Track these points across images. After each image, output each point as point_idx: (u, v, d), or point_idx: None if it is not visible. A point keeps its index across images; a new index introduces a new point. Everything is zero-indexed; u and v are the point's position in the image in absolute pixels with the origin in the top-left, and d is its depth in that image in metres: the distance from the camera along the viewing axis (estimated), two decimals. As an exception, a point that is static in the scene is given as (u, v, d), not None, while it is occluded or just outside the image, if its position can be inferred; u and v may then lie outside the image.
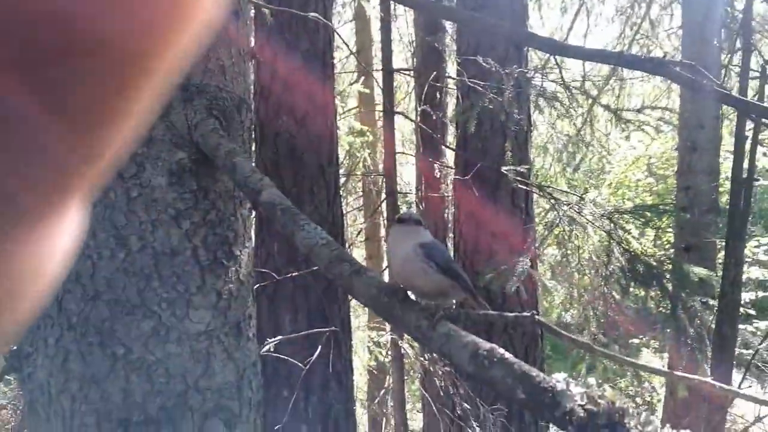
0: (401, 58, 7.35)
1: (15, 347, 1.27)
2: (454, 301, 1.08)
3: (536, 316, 0.89)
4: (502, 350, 0.84)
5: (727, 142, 7.35)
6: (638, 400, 7.98)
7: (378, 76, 6.66)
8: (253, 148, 4.24)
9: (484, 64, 3.84)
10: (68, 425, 1.19)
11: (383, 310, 0.97)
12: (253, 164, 1.33)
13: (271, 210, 1.13)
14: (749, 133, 2.79)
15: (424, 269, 0.97)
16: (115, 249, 1.19)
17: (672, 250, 6.54)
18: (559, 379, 0.78)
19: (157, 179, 1.21)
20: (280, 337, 2.40)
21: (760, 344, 3.02)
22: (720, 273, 3.89)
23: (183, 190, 1.24)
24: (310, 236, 1.07)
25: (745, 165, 3.13)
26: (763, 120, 1.95)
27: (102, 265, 1.19)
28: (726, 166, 6.55)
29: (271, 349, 2.18)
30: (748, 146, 3.08)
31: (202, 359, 1.26)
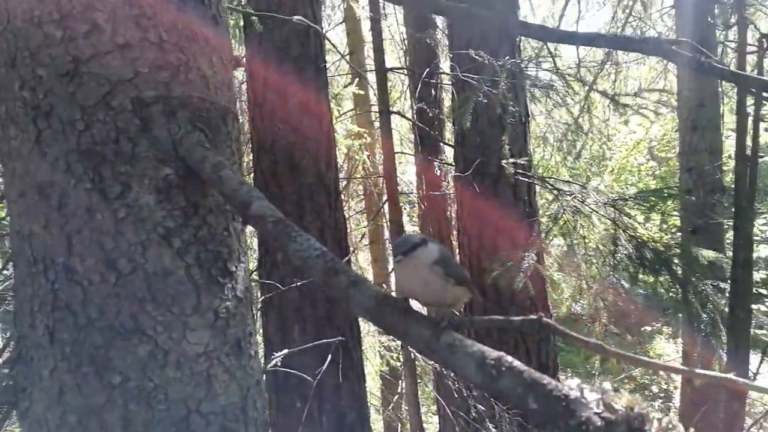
0: (394, 57, 7.30)
1: (11, 382, 1.23)
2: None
3: (544, 319, 0.84)
4: (510, 358, 0.80)
5: (729, 120, 7.28)
6: (654, 388, 7.91)
7: (372, 76, 6.62)
8: (250, 157, 4.21)
9: (477, 57, 3.79)
10: (68, 459, 1.15)
11: (384, 323, 0.93)
12: (246, 176, 1.29)
13: (262, 223, 1.08)
14: (751, 110, 2.74)
15: (444, 287, 0.95)
16: (105, 273, 1.15)
17: (679, 234, 6.48)
18: (572, 386, 0.74)
19: (145, 198, 1.17)
20: (286, 351, 2.36)
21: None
22: (729, 254, 3.83)
23: (172, 207, 1.20)
24: (303, 248, 1.03)
25: (749, 142, 3.08)
26: (764, 94, 1.91)
27: (92, 290, 1.15)
28: (728, 144, 6.49)
29: (279, 364, 2.14)
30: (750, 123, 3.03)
31: (202, 382, 1.22)
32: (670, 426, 0.66)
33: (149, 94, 1.18)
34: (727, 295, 3.18)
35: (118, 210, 1.16)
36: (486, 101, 3.19)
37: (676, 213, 5.33)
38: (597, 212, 3.78)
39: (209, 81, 1.28)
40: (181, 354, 1.20)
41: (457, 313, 1.08)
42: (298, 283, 3.52)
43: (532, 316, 0.86)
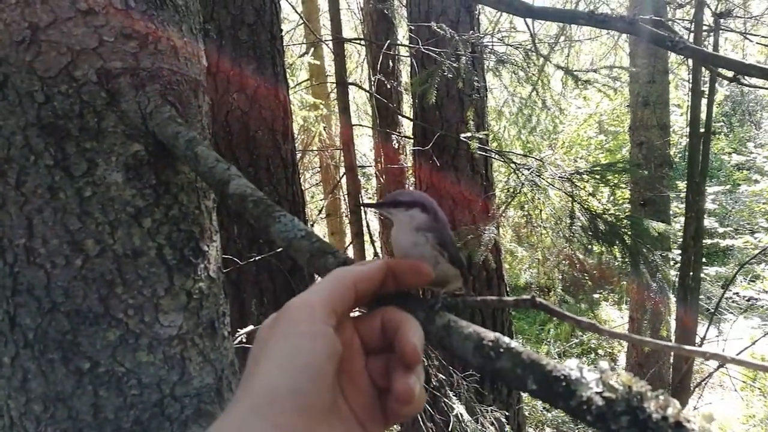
0: (349, 26, 7.17)
1: (-34, 369, 1.15)
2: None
3: (537, 299, 0.84)
4: (507, 339, 0.79)
5: (673, 96, 7.52)
6: (600, 351, 8.27)
7: (328, 47, 6.48)
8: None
9: (438, 30, 3.76)
10: (35, 449, 1.10)
11: (377, 304, 0.91)
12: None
13: (241, 202, 1.04)
14: (704, 88, 2.82)
15: (436, 258, 0.87)
16: (71, 255, 1.08)
17: (626, 206, 6.70)
18: (572, 366, 0.74)
19: (112, 175, 1.10)
20: (251, 327, 2.32)
21: (722, 294, 3.11)
22: (674, 226, 4.00)
23: (142, 186, 1.13)
24: (287, 228, 0.99)
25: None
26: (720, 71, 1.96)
27: (57, 273, 1.08)
28: (673, 120, 6.71)
29: (243, 340, 2.10)
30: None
31: (176, 365, 1.18)
32: (667, 403, 0.67)
33: (116, 64, 1.10)
34: (679, 264, 3.31)
35: (84, 188, 1.09)
36: (451, 75, 3.17)
37: (624, 186, 5.49)
38: (553, 185, 3.85)
39: (179, 51, 1.21)
40: (153, 337, 1.15)
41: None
42: (257, 258, 3.47)
43: (525, 296, 0.86)
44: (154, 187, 1.15)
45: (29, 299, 1.08)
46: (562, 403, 0.75)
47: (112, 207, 1.11)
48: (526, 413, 5.91)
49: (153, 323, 1.15)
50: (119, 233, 1.11)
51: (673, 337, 3.53)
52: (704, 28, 3.47)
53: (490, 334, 0.81)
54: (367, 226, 5.09)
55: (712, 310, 3.06)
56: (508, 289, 4.83)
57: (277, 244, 1.01)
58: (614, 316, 9.08)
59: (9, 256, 1.09)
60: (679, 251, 5.80)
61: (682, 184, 8.65)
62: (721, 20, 2.67)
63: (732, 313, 6.05)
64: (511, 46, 3.81)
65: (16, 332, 1.09)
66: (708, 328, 3.05)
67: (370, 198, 6.97)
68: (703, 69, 2.99)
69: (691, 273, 2.68)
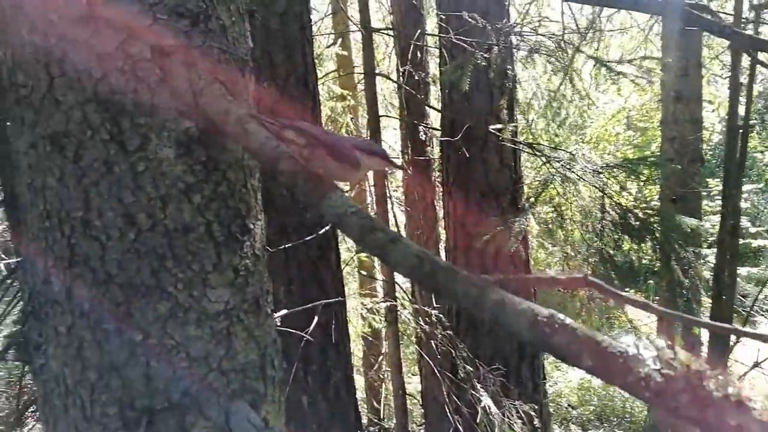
0: (377, 17, 7.16)
1: (22, 338, 1.19)
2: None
3: (589, 277, 0.85)
4: (562, 316, 0.80)
5: (705, 91, 7.38)
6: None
7: (355, 37, 6.49)
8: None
9: (469, 19, 3.74)
10: (88, 416, 1.13)
11: (425, 280, 0.91)
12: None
13: (292, 179, 1.05)
14: (743, 80, 2.77)
15: None
16: (124, 228, 1.11)
17: (655, 203, 6.60)
18: (629, 343, 0.74)
19: (164, 151, 1.12)
20: (284, 311, 2.34)
21: (759, 292, 3.06)
22: (705, 224, 3.93)
23: (192, 162, 1.15)
24: (338, 204, 1.00)
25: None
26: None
27: (111, 246, 1.11)
28: (704, 115, 6.58)
29: (278, 323, 2.13)
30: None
31: (223, 340, 1.20)
32: (728, 382, 0.67)
33: (169, 42, 1.12)
34: (708, 262, 3.26)
35: (137, 163, 1.11)
36: (485, 64, 3.15)
37: (654, 182, 5.41)
38: (583, 179, 3.81)
39: (227, 31, 1.23)
40: (201, 312, 1.17)
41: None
42: (286, 246, 3.50)
43: (578, 274, 0.86)
44: (204, 164, 1.17)
45: (85, 270, 1.11)
46: (618, 380, 0.76)
47: (164, 182, 1.13)
48: (551, 410, 5.89)
49: (201, 298, 1.17)
50: (170, 208, 1.14)
51: (706, 337, 3.48)
52: (743, 19, 3.40)
53: (544, 311, 0.81)
54: (395, 217, 5.10)
55: (748, 310, 3.00)
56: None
57: (327, 219, 1.02)
58: (642, 314, 8.97)
59: (66, 228, 1.12)
60: (710, 250, 5.72)
61: (712, 182, 8.51)
62: (762, 12, 2.61)
63: (764, 315, 5.94)
64: (543, 36, 3.77)
65: (73, 302, 1.12)
66: (745, 324, 2.99)
67: (395, 190, 6.97)
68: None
69: (726, 272, 2.63)
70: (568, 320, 0.80)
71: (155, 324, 1.13)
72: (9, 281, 2.25)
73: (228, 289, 1.21)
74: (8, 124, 1.21)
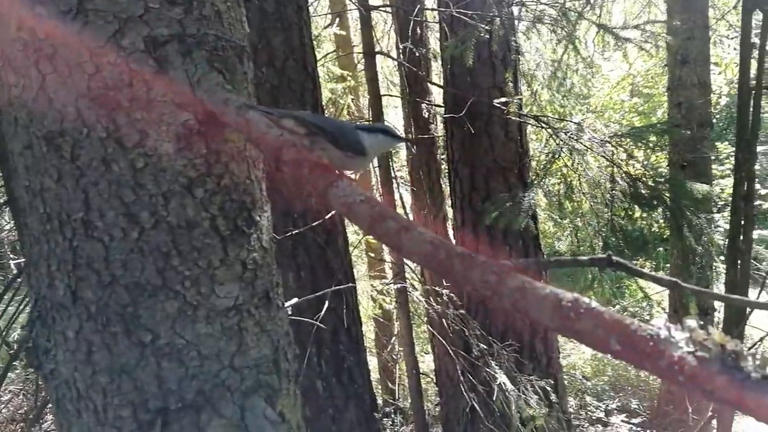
0: (374, -6, 7.02)
1: (30, 343, 1.17)
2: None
3: (614, 257, 0.81)
4: (586, 299, 0.76)
5: (712, 54, 7.24)
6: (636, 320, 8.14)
7: (353, 16, 6.38)
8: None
9: (469, -8, 3.65)
10: (102, 419, 1.11)
11: (441, 268, 0.88)
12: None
13: (297, 168, 1.01)
14: (755, 39, 2.68)
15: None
16: (127, 228, 1.08)
17: (663, 170, 6.52)
18: (660, 325, 0.71)
19: (163, 146, 1.09)
20: (295, 299, 2.32)
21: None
22: (715, 189, 3.86)
23: (193, 156, 1.12)
24: (346, 193, 0.96)
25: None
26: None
27: (114, 246, 1.08)
28: (712, 79, 6.46)
29: (289, 312, 2.11)
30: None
31: (234, 336, 1.17)
32: (767, 362, 0.63)
33: (162, 31, 1.08)
34: (719, 226, 3.21)
35: (136, 159, 1.07)
36: (487, 37, 3.08)
37: (662, 148, 5.33)
38: (591, 150, 3.75)
39: (223, 17, 1.18)
40: (210, 308, 1.15)
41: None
42: (293, 232, 3.48)
43: (601, 255, 0.82)
44: (205, 157, 1.13)
45: (89, 273, 1.08)
46: (650, 365, 0.72)
47: (165, 178, 1.09)
48: (566, 382, 5.89)
49: (209, 294, 1.15)
50: (172, 204, 1.10)
51: (721, 306, 3.43)
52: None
53: (568, 295, 0.77)
54: (401, 197, 5.06)
55: (764, 275, 2.96)
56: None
57: (335, 209, 0.98)
58: (653, 285, 8.95)
59: (67, 231, 1.08)
60: (720, 215, 5.64)
61: (721, 146, 8.39)
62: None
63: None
64: (546, 4, 3.68)
65: (78, 306, 1.10)
66: (759, 294, 2.95)
67: (399, 170, 6.91)
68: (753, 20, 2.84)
69: (741, 237, 2.58)
70: (594, 303, 0.76)
71: (164, 323, 1.10)
72: (18, 281, 2.23)
73: (237, 283, 1.18)
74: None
